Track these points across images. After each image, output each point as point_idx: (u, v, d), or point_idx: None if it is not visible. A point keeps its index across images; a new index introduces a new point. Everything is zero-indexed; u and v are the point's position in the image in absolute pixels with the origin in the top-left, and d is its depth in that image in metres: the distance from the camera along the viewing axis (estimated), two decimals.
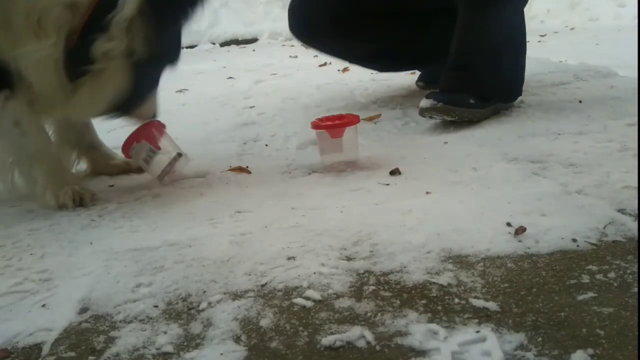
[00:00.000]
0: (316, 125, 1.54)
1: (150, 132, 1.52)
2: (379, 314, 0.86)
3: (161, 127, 1.55)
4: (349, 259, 1.03)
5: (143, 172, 1.60)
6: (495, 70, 1.84)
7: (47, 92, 1.32)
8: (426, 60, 2.23)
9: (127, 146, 1.52)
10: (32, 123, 1.40)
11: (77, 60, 1.27)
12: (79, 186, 1.45)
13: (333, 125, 1.53)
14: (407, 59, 2.27)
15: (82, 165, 1.69)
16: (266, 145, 1.83)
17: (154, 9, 1.26)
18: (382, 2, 2.10)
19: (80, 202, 1.42)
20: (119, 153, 1.62)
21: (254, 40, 5.92)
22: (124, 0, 1.25)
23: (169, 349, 0.83)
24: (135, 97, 1.40)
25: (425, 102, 1.78)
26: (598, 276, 0.91)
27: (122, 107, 1.40)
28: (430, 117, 1.79)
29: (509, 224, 1.09)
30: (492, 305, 0.85)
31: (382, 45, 2.16)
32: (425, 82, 2.39)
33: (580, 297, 0.85)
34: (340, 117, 1.59)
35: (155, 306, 0.94)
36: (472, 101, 1.78)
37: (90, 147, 1.64)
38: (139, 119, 1.50)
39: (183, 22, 1.37)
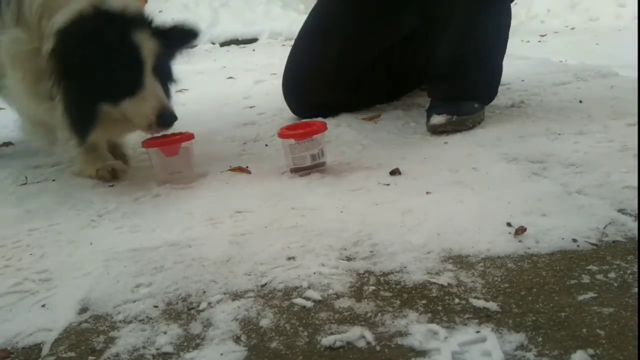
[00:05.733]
0: (281, 134, 1.50)
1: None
2: (379, 314, 0.86)
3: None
4: (349, 259, 1.03)
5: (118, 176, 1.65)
6: (486, 72, 1.85)
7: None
8: (424, 75, 2.21)
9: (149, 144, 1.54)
10: None
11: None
12: (114, 162, 1.65)
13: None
14: (409, 83, 2.27)
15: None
16: (266, 145, 1.83)
17: (59, 45, 1.41)
18: (373, 47, 2.06)
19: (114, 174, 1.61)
20: None
21: (254, 40, 5.91)
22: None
23: (169, 349, 0.83)
24: (76, 116, 1.49)
25: (439, 119, 1.73)
26: (598, 276, 0.91)
27: (76, 125, 1.50)
28: (443, 132, 1.74)
29: (509, 224, 1.09)
30: (492, 306, 0.85)
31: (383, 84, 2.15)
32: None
33: (581, 297, 0.85)
34: (306, 125, 1.55)
35: (155, 306, 0.94)
36: (476, 105, 1.79)
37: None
38: None
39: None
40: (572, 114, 1.83)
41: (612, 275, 0.91)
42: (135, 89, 1.46)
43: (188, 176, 1.56)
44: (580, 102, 1.96)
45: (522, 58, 2.91)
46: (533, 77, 2.44)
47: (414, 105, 2.14)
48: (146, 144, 1.54)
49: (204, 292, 0.97)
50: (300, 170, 1.50)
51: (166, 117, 1.46)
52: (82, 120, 1.47)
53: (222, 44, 5.83)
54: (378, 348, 0.79)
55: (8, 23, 1.50)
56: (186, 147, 1.56)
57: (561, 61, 2.83)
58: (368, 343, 0.80)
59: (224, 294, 0.96)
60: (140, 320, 0.91)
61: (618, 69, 2.43)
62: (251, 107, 2.41)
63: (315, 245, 1.08)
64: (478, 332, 0.80)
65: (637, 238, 1.01)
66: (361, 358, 0.77)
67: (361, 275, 0.97)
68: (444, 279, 0.93)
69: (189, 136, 1.57)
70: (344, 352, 0.79)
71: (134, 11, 1.48)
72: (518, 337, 0.78)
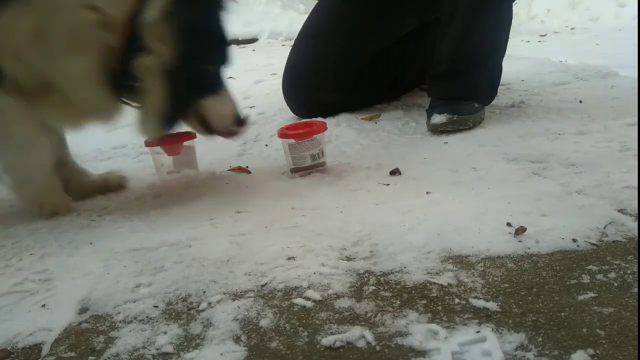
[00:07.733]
0: (281, 134, 1.51)
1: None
2: (379, 314, 0.86)
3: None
4: (349, 259, 1.03)
5: (119, 190, 1.52)
6: (486, 72, 1.85)
7: (88, 107, 1.27)
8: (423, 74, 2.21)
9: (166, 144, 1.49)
10: (19, 113, 1.28)
11: (124, 82, 1.23)
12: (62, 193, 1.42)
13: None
14: (409, 82, 2.28)
15: None
16: (266, 145, 1.83)
17: (178, 10, 1.19)
18: (373, 46, 2.05)
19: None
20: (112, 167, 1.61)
21: (254, 40, 5.92)
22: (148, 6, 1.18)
23: (169, 349, 0.83)
24: (180, 105, 1.30)
25: (440, 118, 1.73)
26: (598, 276, 0.91)
27: (173, 117, 1.32)
28: (444, 131, 1.74)
29: (509, 224, 1.09)
30: (492, 306, 0.85)
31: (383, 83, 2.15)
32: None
33: (581, 297, 0.85)
34: (306, 125, 1.56)
35: (155, 306, 0.94)
36: (476, 105, 1.79)
37: (62, 163, 1.46)
38: (202, 129, 1.39)
39: (214, 20, 1.29)
40: (572, 114, 1.83)
41: (612, 275, 0.91)
42: (221, 86, 1.35)
43: (190, 174, 1.55)
44: (580, 102, 1.96)
45: (522, 58, 2.91)
46: (533, 77, 2.44)
47: (414, 105, 2.14)
48: (150, 143, 1.52)
49: (204, 292, 0.97)
50: (300, 170, 1.50)
51: (244, 118, 1.37)
52: (184, 100, 1.28)
53: None
54: (378, 348, 0.79)
55: None
56: (189, 146, 1.54)
57: (561, 61, 2.83)
58: (368, 343, 0.80)
59: (224, 294, 0.96)
60: (140, 320, 0.91)
61: (618, 69, 2.43)
62: (251, 107, 2.41)
63: (315, 245, 1.08)
64: (478, 332, 0.80)
65: (637, 238, 1.01)
66: (361, 358, 0.77)
67: (361, 275, 0.97)
68: (444, 279, 0.93)
69: (191, 135, 1.52)
70: (344, 352, 0.79)
71: None
72: (518, 337, 0.78)
